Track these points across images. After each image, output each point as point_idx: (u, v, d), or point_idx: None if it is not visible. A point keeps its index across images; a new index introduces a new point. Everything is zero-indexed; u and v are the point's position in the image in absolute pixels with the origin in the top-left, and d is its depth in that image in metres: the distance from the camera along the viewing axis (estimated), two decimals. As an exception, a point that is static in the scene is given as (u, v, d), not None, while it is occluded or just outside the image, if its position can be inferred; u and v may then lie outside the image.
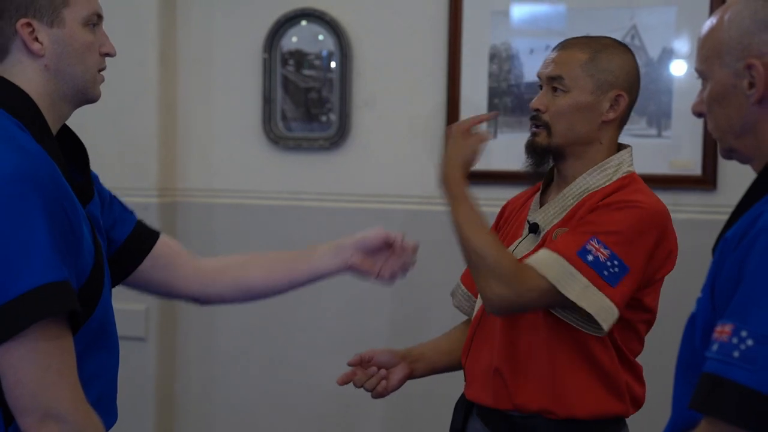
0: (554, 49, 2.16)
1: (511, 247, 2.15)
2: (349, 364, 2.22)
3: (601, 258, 1.96)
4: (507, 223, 2.27)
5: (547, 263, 1.97)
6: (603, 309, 1.95)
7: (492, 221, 2.31)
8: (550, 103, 2.11)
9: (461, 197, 2.05)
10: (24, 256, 1.46)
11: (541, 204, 2.18)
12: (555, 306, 2.00)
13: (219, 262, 2.07)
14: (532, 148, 2.14)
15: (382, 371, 2.22)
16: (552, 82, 2.11)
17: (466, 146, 2.08)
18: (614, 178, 2.10)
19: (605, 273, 1.96)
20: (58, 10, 1.62)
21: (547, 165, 2.16)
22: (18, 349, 1.46)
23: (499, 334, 2.11)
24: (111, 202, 1.87)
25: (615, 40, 2.17)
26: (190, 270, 1.98)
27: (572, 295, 1.95)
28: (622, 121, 2.14)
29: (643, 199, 2.06)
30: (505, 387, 2.09)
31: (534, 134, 2.13)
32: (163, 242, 1.95)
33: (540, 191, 2.22)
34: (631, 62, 2.13)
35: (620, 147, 2.17)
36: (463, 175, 2.07)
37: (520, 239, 2.16)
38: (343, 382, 2.20)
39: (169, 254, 1.95)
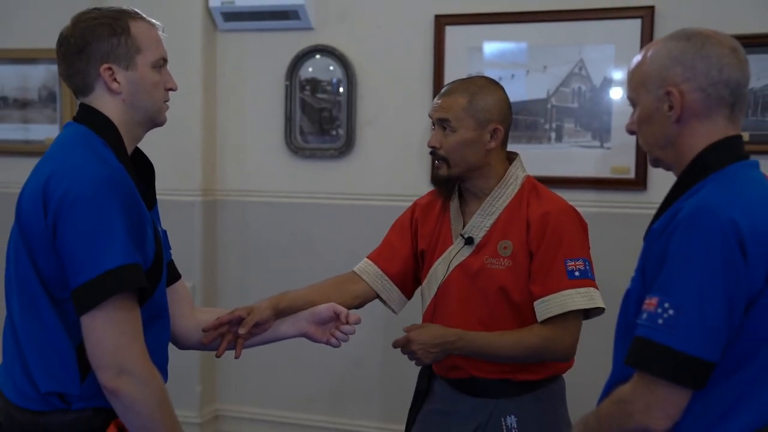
0: (440, 93, 2.11)
1: (446, 255, 2.13)
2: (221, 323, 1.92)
3: (582, 267, 2.01)
4: (427, 227, 2.19)
5: (563, 303, 1.99)
6: (598, 298, 2.02)
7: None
8: (443, 140, 2.07)
9: (459, 336, 2.00)
10: (108, 242, 1.49)
11: (463, 213, 2.16)
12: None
13: (205, 315, 1.94)
14: (437, 181, 2.14)
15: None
16: (442, 123, 2.07)
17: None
18: (518, 186, 2.09)
19: (589, 275, 2.03)
20: (132, 56, 1.65)
21: (453, 186, 2.14)
22: (101, 317, 1.49)
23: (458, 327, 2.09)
24: (164, 234, 1.81)
25: (488, 80, 2.12)
26: (187, 316, 1.91)
27: (582, 304, 2.00)
28: (503, 142, 2.11)
29: (560, 206, 2.06)
30: (469, 373, 2.10)
31: (437, 167, 2.11)
32: (182, 284, 1.91)
33: (457, 200, 2.18)
34: (502, 97, 2.09)
35: (509, 154, 2.16)
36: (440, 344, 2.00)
37: (452, 248, 2.12)
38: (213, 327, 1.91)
39: (181, 295, 1.90)
